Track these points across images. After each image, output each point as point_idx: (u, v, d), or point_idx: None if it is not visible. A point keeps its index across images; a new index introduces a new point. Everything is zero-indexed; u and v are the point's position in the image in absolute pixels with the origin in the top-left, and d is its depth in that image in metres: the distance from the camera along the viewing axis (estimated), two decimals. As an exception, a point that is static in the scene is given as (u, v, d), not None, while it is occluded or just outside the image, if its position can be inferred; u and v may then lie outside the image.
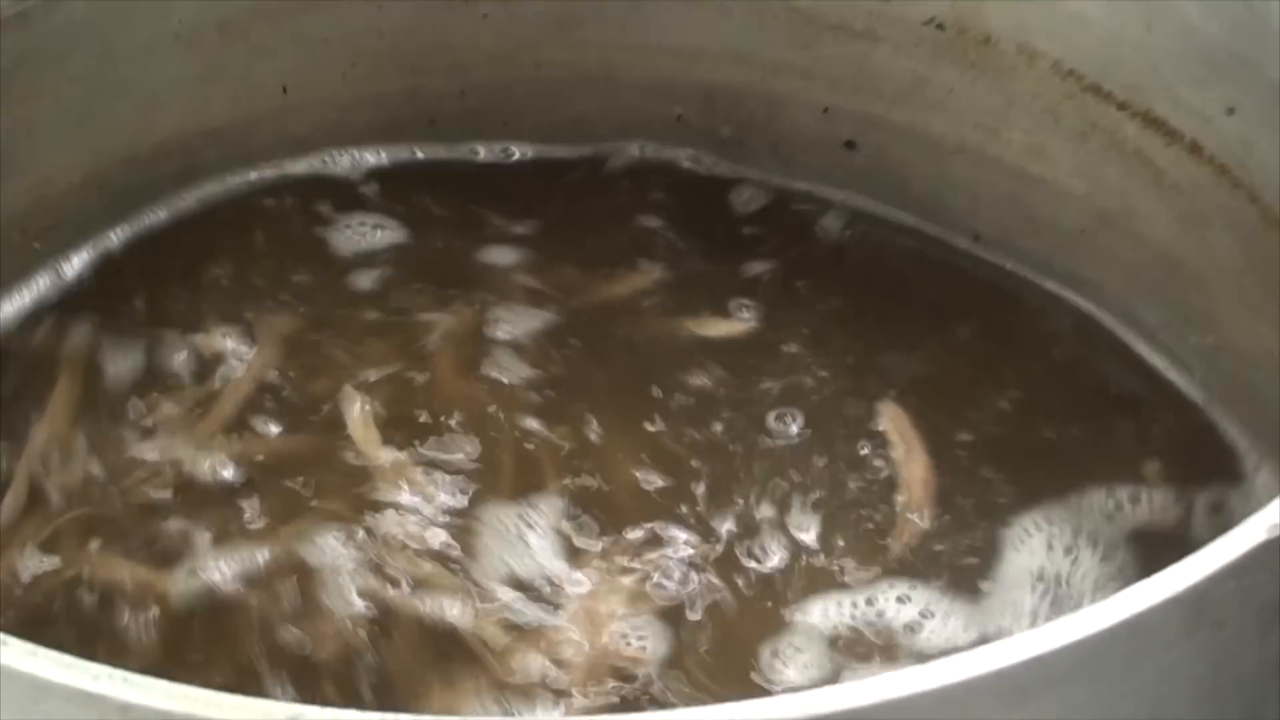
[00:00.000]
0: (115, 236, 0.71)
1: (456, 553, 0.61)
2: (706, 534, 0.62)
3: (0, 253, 0.68)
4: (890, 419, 0.65)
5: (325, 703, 0.53)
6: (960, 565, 0.62)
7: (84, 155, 0.70)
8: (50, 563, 0.61)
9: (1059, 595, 0.61)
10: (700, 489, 0.64)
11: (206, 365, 0.68)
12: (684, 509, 0.63)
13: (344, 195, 0.74)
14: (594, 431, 0.66)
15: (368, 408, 0.66)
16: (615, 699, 0.57)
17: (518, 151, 0.75)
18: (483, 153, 0.75)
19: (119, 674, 0.39)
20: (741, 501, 0.63)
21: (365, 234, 0.72)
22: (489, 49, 0.73)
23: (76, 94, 0.68)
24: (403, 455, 0.64)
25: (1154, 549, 0.62)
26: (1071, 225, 0.70)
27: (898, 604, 0.60)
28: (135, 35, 0.69)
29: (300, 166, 0.74)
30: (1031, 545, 0.62)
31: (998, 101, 0.70)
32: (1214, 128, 0.64)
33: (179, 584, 0.61)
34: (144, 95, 0.70)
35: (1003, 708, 0.40)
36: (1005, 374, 0.68)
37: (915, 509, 0.63)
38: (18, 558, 0.62)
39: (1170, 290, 0.68)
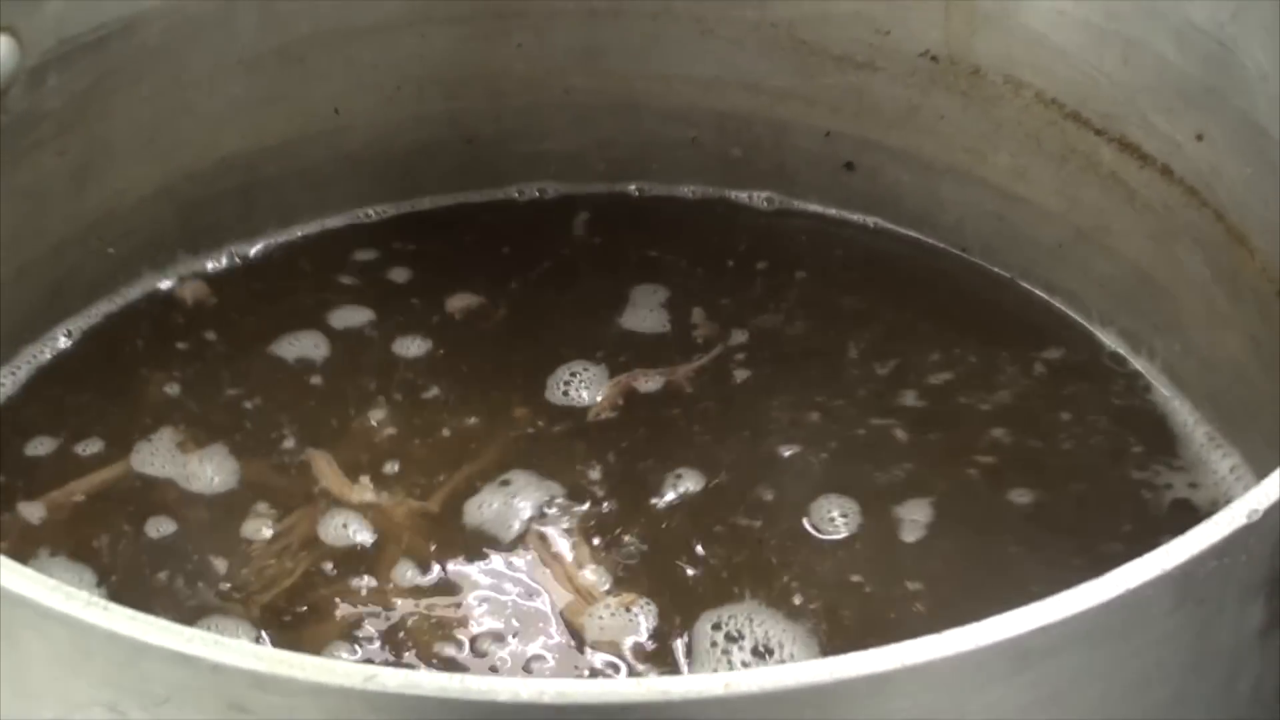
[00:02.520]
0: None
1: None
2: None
3: (83, 257, 0.69)
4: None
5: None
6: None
7: (155, 169, 0.70)
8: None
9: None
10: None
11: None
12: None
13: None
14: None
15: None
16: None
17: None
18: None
19: (210, 637, 0.39)
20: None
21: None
22: (522, 76, 0.74)
23: (149, 113, 0.68)
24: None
25: (1136, 527, 0.63)
26: (1051, 240, 0.70)
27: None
28: (202, 60, 0.69)
29: (347, 185, 0.74)
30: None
31: (985, 127, 0.70)
32: (1184, 153, 0.64)
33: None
34: (209, 115, 0.70)
35: (1011, 671, 0.40)
36: (984, 366, 0.69)
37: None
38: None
39: (1142, 300, 0.68)
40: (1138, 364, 0.69)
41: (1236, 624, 0.44)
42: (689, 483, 0.64)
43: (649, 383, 0.67)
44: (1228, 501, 0.61)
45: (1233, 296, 0.64)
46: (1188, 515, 0.63)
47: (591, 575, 0.61)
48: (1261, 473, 0.62)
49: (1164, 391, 0.68)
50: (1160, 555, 0.41)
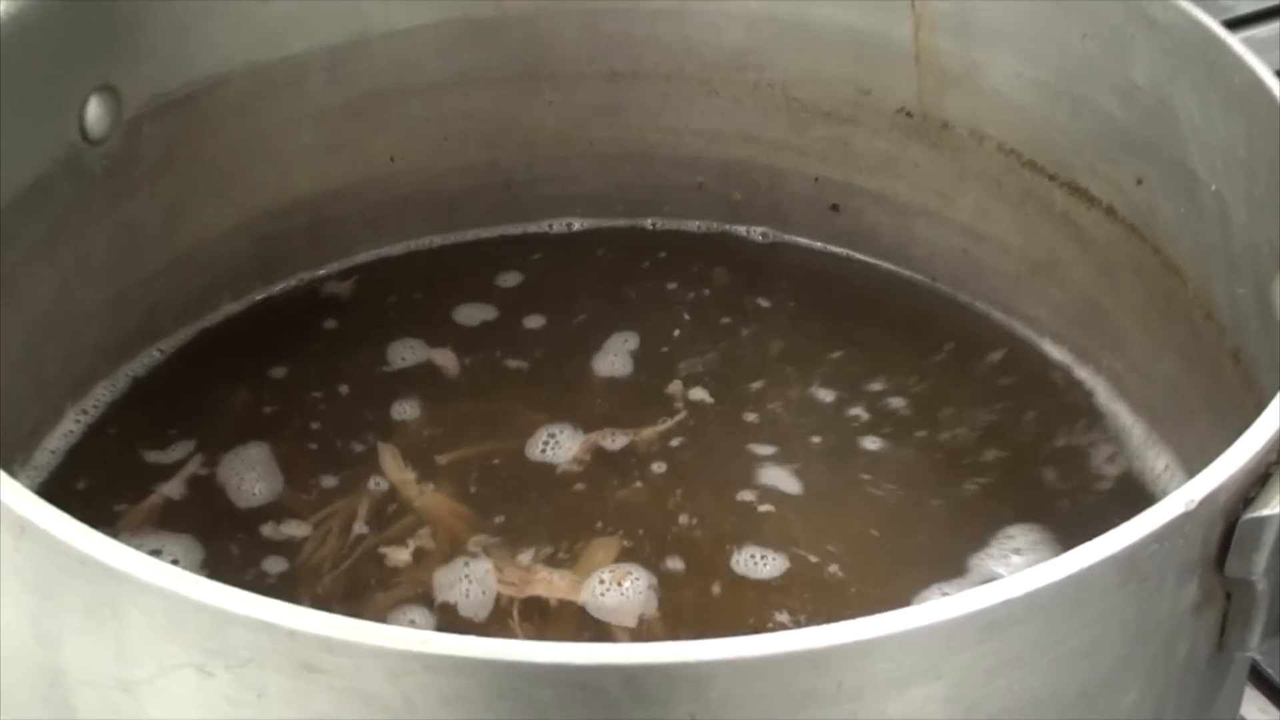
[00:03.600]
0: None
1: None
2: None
3: (173, 284, 0.69)
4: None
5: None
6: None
7: (235, 208, 0.70)
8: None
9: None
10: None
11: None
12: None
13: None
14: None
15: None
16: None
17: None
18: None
19: (287, 606, 0.40)
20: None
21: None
22: (553, 129, 0.74)
23: (229, 160, 0.69)
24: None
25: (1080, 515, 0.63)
26: (1010, 272, 0.70)
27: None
28: (276, 113, 0.69)
29: (401, 222, 0.74)
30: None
31: (953, 174, 0.70)
32: (1126, 195, 0.65)
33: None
34: (282, 161, 0.70)
35: (979, 639, 0.40)
36: (952, 379, 0.69)
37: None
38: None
39: (1089, 323, 0.68)
40: (1084, 375, 0.69)
41: (1174, 600, 0.44)
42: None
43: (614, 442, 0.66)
44: (1162, 492, 0.62)
45: (1168, 320, 0.64)
46: (1124, 499, 0.64)
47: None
48: (1191, 470, 0.62)
49: (1106, 400, 0.68)
50: (1108, 539, 0.41)
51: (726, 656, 0.39)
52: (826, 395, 0.68)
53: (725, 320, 0.71)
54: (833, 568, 0.61)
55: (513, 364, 0.69)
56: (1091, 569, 0.41)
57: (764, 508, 0.63)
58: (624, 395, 0.68)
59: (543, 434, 0.66)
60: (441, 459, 0.65)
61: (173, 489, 0.64)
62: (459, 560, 0.61)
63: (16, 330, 0.62)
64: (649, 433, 0.66)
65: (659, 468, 0.65)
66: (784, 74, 0.71)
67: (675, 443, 0.66)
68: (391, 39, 0.70)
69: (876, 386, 0.68)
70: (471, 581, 0.60)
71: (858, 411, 0.67)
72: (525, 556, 0.61)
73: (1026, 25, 0.65)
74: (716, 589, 0.60)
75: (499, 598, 0.60)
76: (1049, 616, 0.41)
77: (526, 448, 0.65)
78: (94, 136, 0.63)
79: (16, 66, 0.59)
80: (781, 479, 0.64)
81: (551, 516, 0.63)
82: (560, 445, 0.65)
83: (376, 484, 0.64)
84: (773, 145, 0.73)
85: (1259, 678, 0.66)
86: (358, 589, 0.60)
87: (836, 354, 0.69)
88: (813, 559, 0.61)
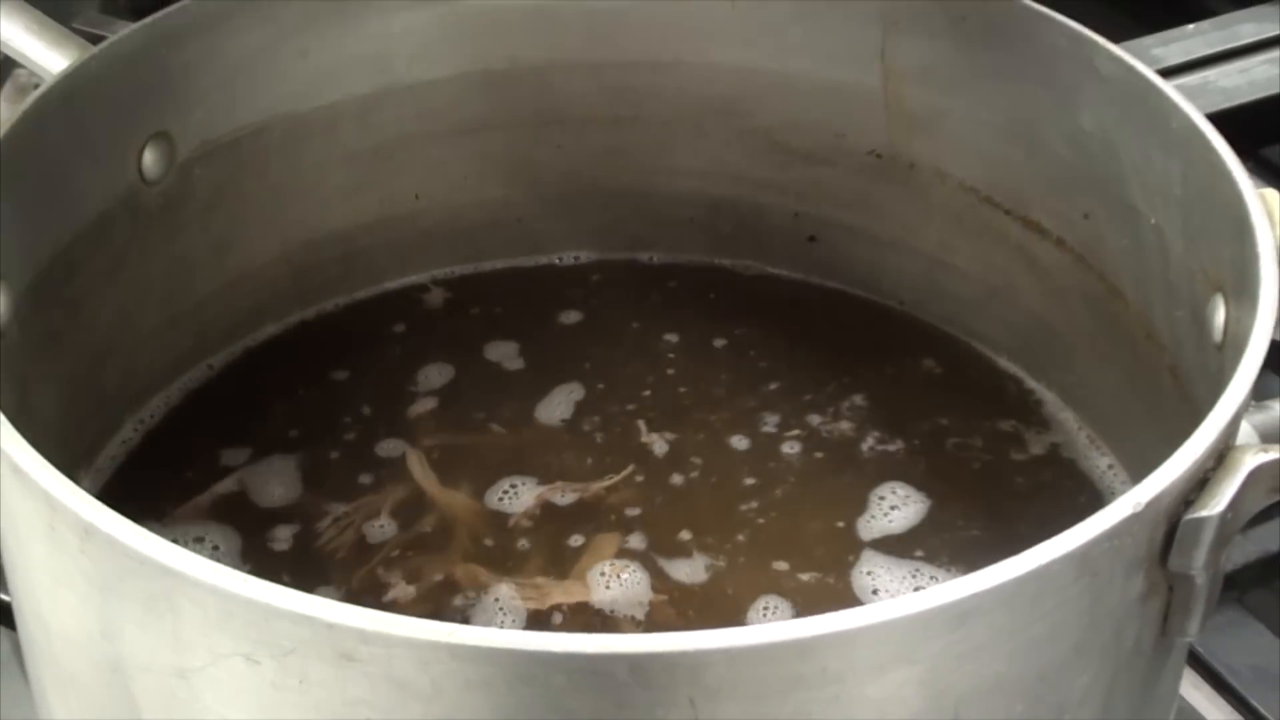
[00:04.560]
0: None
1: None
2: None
3: (221, 309, 0.69)
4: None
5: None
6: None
7: (276, 241, 0.70)
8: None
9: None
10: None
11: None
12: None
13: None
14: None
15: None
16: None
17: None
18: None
19: (326, 601, 0.40)
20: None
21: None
22: (560, 169, 0.73)
23: (272, 198, 0.68)
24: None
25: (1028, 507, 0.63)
26: (970, 296, 0.70)
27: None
28: (313, 156, 0.69)
29: (425, 253, 0.74)
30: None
31: (919, 209, 0.70)
32: (1074, 228, 0.64)
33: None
34: (318, 198, 0.70)
35: (950, 628, 0.41)
36: (916, 391, 0.68)
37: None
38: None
39: (1040, 342, 0.68)
40: (1034, 386, 0.68)
41: (1122, 592, 0.44)
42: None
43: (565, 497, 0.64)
44: (1106, 488, 0.62)
45: (1112, 339, 0.63)
46: (1072, 495, 0.64)
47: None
48: (1132, 469, 0.62)
49: (1055, 409, 0.67)
50: (1065, 538, 0.41)
51: (721, 645, 0.39)
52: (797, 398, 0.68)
53: (716, 342, 0.71)
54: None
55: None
56: (1050, 565, 0.41)
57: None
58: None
59: (504, 484, 0.64)
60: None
61: (220, 487, 0.63)
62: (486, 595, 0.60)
63: (82, 350, 0.62)
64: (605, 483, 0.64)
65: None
66: (768, 120, 0.70)
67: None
68: (415, 90, 0.69)
69: (841, 397, 0.68)
70: (505, 612, 0.59)
71: (821, 419, 0.67)
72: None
73: (984, 77, 0.64)
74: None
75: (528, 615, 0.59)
76: (1012, 607, 0.41)
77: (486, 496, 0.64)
78: (150, 178, 0.63)
79: (82, 116, 0.59)
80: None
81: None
82: (519, 495, 0.64)
83: (401, 486, 0.64)
84: (757, 184, 0.72)
85: (1195, 660, 0.66)
86: (391, 583, 0.60)
87: (792, 379, 0.69)
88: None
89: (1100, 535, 0.41)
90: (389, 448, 0.65)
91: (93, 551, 0.43)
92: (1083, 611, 0.43)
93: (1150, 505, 0.43)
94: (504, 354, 0.70)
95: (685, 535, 0.62)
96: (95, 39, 0.60)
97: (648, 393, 0.68)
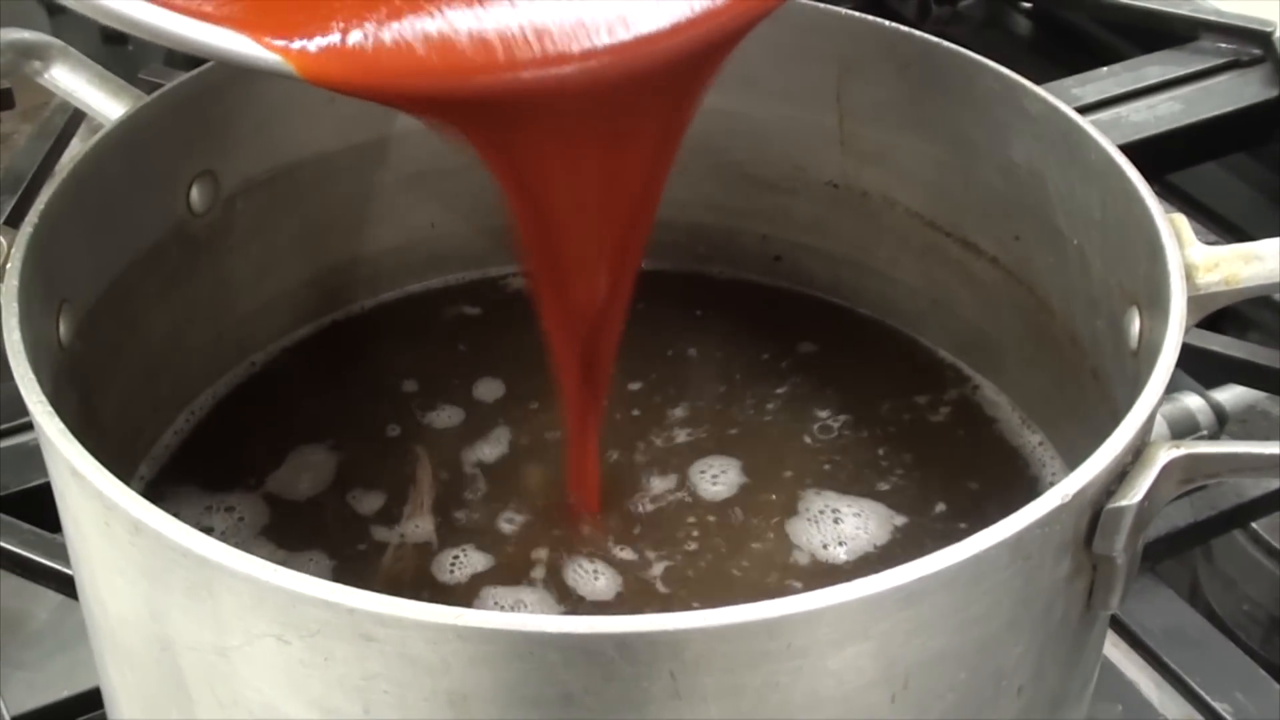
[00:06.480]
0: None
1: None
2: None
3: (260, 324, 0.67)
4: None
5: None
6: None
7: (305, 265, 0.68)
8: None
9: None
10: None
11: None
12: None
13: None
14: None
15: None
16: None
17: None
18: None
19: (347, 589, 0.39)
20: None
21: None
22: (557, 199, 0.72)
23: (302, 226, 0.67)
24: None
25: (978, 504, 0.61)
26: (915, 308, 0.69)
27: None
28: (341, 191, 0.68)
29: (440, 274, 0.73)
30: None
31: (871, 232, 0.69)
32: (1007, 248, 0.64)
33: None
34: (345, 227, 0.69)
35: (900, 607, 0.40)
36: (873, 394, 0.66)
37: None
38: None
39: (978, 347, 0.67)
40: (973, 376, 0.67)
41: (1052, 572, 0.43)
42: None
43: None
44: (1038, 462, 0.62)
45: (1040, 345, 0.63)
46: (1007, 467, 0.63)
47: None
48: (1062, 449, 0.61)
49: (992, 393, 0.66)
50: (1002, 526, 0.41)
51: (698, 625, 0.38)
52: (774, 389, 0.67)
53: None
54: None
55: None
56: (989, 550, 0.41)
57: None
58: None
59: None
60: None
61: (260, 471, 0.62)
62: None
63: (137, 363, 0.61)
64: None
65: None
66: (738, 156, 0.69)
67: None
68: (428, 132, 0.67)
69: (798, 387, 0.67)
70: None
71: (790, 400, 0.66)
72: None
73: (928, 117, 0.64)
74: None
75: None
76: (955, 588, 0.41)
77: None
78: (198, 211, 0.62)
79: (137, 156, 0.58)
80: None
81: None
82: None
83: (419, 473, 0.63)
84: (729, 211, 0.71)
85: (1116, 623, 0.65)
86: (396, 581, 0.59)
87: (764, 380, 0.68)
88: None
89: (1033, 523, 0.41)
90: (407, 442, 0.64)
91: (142, 545, 0.42)
92: (1017, 590, 0.42)
93: (1076, 496, 0.42)
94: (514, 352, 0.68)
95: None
96: (156, 88, 0.60)
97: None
